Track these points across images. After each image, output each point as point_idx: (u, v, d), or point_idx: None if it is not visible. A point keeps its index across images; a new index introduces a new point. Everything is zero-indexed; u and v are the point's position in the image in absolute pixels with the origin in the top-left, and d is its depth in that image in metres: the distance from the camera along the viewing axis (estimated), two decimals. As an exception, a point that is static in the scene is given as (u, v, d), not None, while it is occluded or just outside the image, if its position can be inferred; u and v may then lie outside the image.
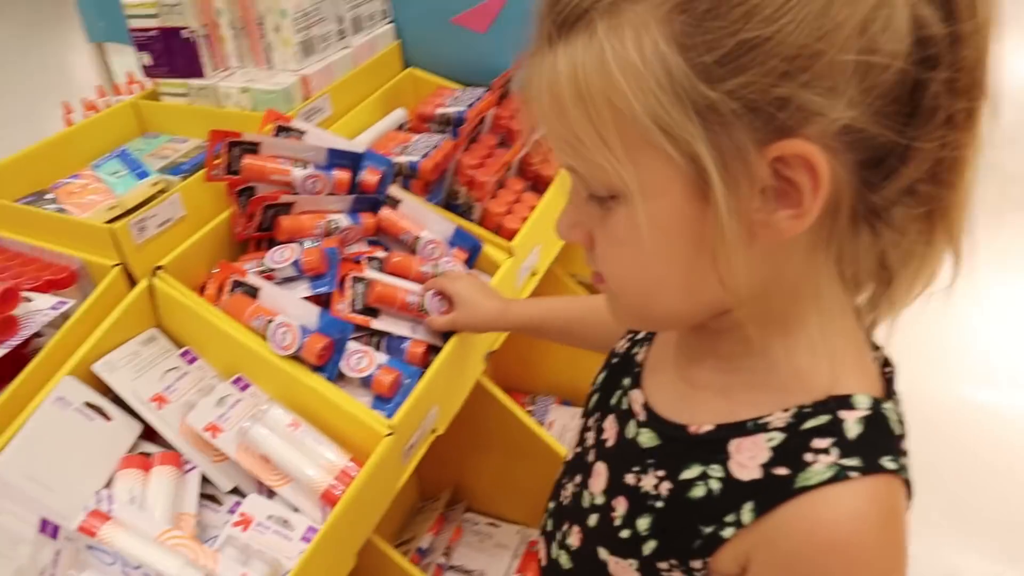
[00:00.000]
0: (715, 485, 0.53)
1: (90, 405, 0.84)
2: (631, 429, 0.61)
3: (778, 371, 0.53)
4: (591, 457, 0.66)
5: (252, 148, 0.98)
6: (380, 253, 1.04)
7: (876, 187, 0.47)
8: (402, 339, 0.96)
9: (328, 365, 0.89)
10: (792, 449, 0.50)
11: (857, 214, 0.48)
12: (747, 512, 0.51)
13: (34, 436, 0.79)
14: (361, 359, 0.90)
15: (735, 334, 0.53)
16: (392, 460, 0.87)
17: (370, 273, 0.98)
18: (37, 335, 0.88)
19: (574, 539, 0.65)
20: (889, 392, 0.54)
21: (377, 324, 0.95)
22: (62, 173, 1.12)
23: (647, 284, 0.52)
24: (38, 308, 0.89)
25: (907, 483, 0.51)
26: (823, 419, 0.50)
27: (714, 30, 0.42)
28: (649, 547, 0.57)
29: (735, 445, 0.53)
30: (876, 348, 0.57)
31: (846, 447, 0.49)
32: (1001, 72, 0.45)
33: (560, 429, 1.47)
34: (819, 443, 0.49)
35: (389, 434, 0.85)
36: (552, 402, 1.54)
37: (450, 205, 1.16)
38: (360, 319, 0.94)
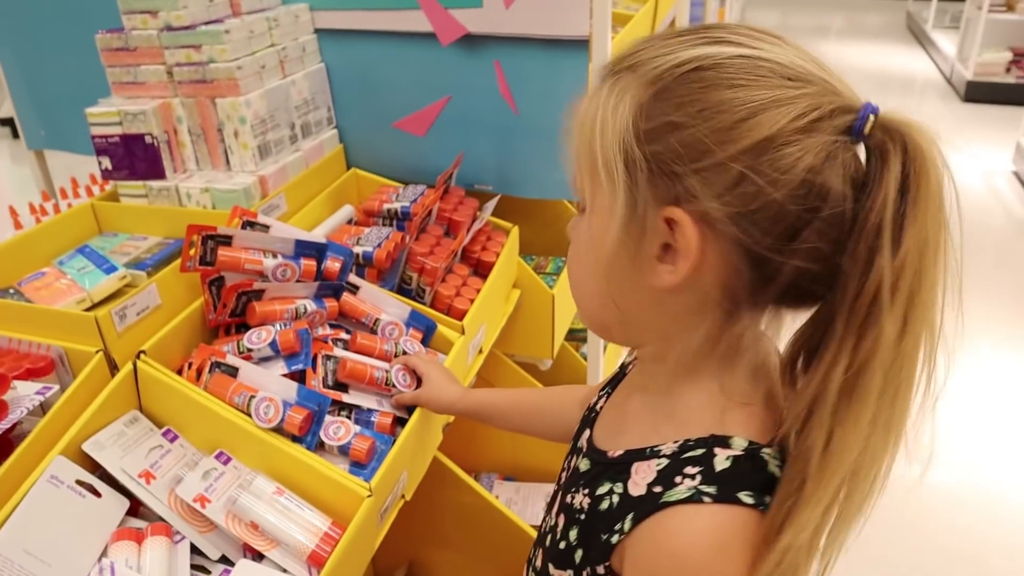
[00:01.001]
0: (616, 499, 0.64)
1: (80, 483, 0.88)
2: (577, 460, 0.75)
3: (680, 409, 0.66)
4: (559, 492, 0.78)
5: (226, 240, 1.06)
6: (343, 335, 1.12)
7: (762, 288, 0.58)
8: (371, 411, 1.04)
9: (308, 435, 0.95)
10: (670, 472, 0.61)
11: (757, 302, 0.60)
12: (628, 522, 0.62)
13: (31, 513, 0.83)
14: (339, 428, 0.97)
15: (656, 375, 0.68)
16: (371, 521, 0.94)
17: (339, 351, 1.06)
18: (17, 422, 0.92)
19: (539, 560, 0.76)
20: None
21: (348, 398, 1.03)
22: (25, 271, 1.16)
23: (575, 281, 0.69)
24: (24, 394, 0.93)
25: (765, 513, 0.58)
26: (699, 451, 0.61)
27: (657, 107, 0.57)
28: (578, 556, 0.68)
29: (635, 467, 0.64)
30: None
31: (708, 477, 0.59)
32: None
33: (505, 503, 1.54)
34: (690, 470, 0.60)
35: (369, 496, 0.91)
36: (495, 478, 1.61)
37: (402, 290, 1.26)
38: (333, 394, 1.01)
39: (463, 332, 1.20)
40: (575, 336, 2.08)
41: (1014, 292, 3.38)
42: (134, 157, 1.27)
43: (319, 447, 0.97)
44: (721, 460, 0.60)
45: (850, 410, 0.54)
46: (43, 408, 0.94)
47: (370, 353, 1.09)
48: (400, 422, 1.05)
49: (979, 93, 5.82)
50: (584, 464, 0.73)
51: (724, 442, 0.61)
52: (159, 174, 1.28)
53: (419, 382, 1.07)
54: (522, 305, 1.47)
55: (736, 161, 0.53)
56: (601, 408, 0.80)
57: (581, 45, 1.30)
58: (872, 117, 0.53)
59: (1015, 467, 2.37)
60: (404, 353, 1.11)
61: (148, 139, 1.26)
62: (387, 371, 1.05)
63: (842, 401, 0.55)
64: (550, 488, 1.71)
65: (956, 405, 2.59)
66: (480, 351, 1.30)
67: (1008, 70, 5.83)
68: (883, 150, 0.53)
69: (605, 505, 0.65)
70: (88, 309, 1.11)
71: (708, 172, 0.54)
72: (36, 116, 1.79)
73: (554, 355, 1.55)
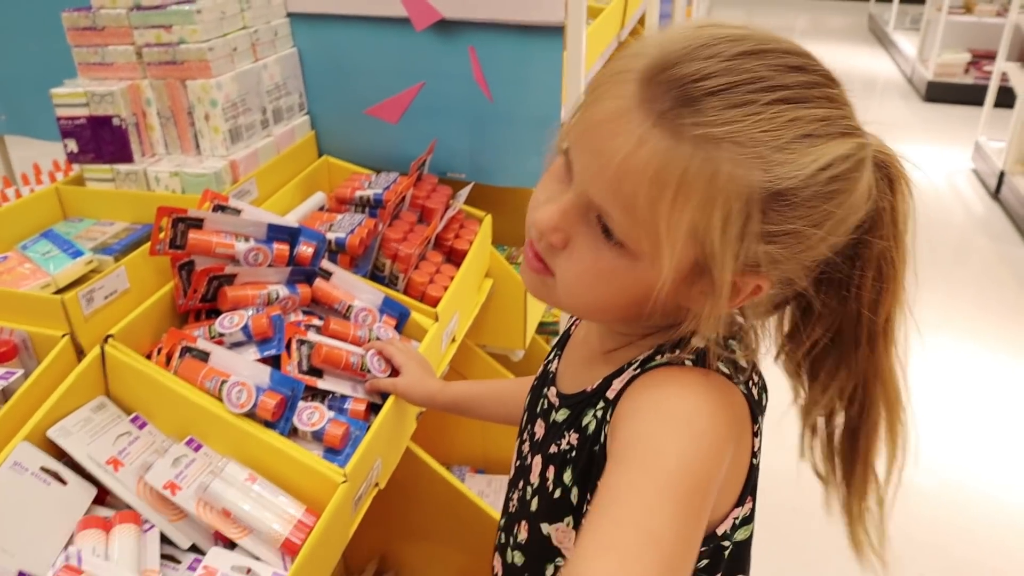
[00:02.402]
0: (599, 413, 0.67)
1: (45, 470, 0.86)
2: (551, 415, 0.75)
3: (653, 338, 0.68)
4: (528, 459, 0.78)
5: (197, 223, 1.04)
6: (316, 321, 1.11)
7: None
8: (345, 398, 1.02)
9: (281, 421, 0.94)
10: (647, 360, 0.65)
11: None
12: (609, 412, 0.65)
13: (-6, 500, 0.80)
14: (313, 414, 0.96)
15: (629, 335, 0.70)
16: (345, 508, 0.93)
17: (313, 336, 1.04)
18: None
19: (523, 534, 0.76)
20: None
21: (322, 384, 1.01)
22: (-15, 256, 1.13)
23: (588, 299, 0.65)
24: (-14, 379, 0.90)
25: (747, 399, 0.63)
26: (675, 342, 0.64)
27: (784, 215, 0.56)
28: (574, 495, 0.69)
29: (613, 383, 0.67)
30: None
31: (686, 350, 0.63)
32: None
33: (477, 495, 1.53)
34: (669, 352, 0.64)
35: (344, 482, 0.90)
36: (467, 471, 1.60)
37: (375, 276, 1.25)
38: (307, 379, 1.00)
39: (436, 319, 1.19)
40: (545, 329, 2.08)
41: (975, 287, 3.45)
42: (101, 140, 1.24)
43: (292, 433, 0.95)
44: (697, 340, 0.63)
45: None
46: (6, 394, 0.91)
47: (343, 339, 1.08)
48: (374, 409, 1.04)
49: (939, 93, 5.92)
50: (562, 414, 0.73)
51: (696, 334, 0.63)
52: (127, 157, 1.25)
53: (394, 371, 1.06)
54: (494, 295, 1.47)
55: (830, 250, 0.60)
56: (557, 368, 0.81)
57: (556, 32, 1.29)
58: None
59: (977, 457, 2.41)
60: (378, 339, 1.10)
61: (116, 121, 1.23)
62: (362, 356, 1.04)
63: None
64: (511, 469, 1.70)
65: (919, 398, 2.63)
66: (453, 340, 1.29)
67: (967, 71, 5.94)
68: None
69: (592, 426, 0.67)
70: (56, 294, 1.08)
71: (806, 253, 0.59)
72: (-4, 99, 1.74)
73: (526, 346, 1.55)
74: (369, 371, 1.04)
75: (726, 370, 0.63)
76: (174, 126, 1.27)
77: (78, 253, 1.12)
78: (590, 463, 0.67)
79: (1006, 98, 4.35)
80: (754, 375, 0.66)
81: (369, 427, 0.99)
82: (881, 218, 0.61)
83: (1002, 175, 4.14)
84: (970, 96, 5.72)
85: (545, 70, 1.32)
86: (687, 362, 0.62)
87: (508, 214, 1.57)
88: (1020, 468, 2.37)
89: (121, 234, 1.21)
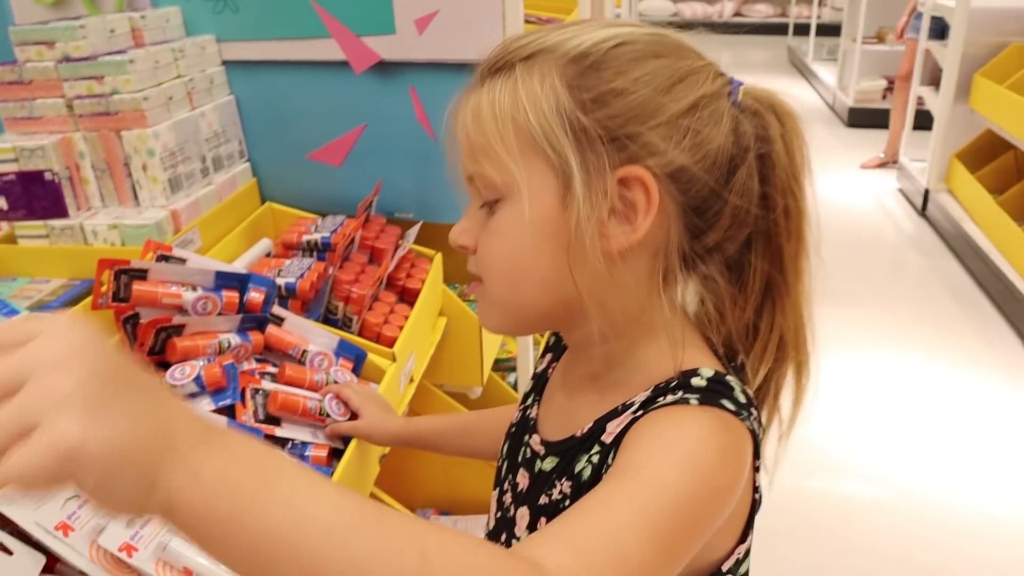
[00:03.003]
0: (595, 459, 0.64)
1: (-11, 541, 0.81)
2: (538, 465, 0.72)
3: (640, 368, 0.67)
4: (511, 511, 0.75)
5: (141, 275, 1.00)
6: (271, 368, 1.07)
7: (699, 234, 0.64)
8: (305, 444, 0.99)
9: (240, 472, 0.90)
10: (648, 403, 0.62)
11: (684, 256, 0.65)
12: (611, 457, 0.62)
13: (-66, 577, 0.75)
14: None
15: (604, 356, 0.69)
16: (313, 558, 0.89)
17: (268, 384, 1.01)
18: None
19: None
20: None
21: (281, 432, 0.98)
22: (-85, 322, 1.07)
23: (514, 274, 0.65)
24: (-80, 450, 0.85)
25: (752, 433, 0.61)
26: (674, 383, 0.63)
27: (594, 78, 0.61)
28: None
29: (608, 426, 0.65)
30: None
31: (689, 391, 0.61)
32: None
33: (442, 537, 1.49)
34: (671, 394, 0.62)
35: (310, 531, 0.87)
36: (431, 513, 1.57)
37: (328, 320, 1.22)
38: (265, 428, 0.96)
39: (394, 359, 1.17)
40: (500, 366, 2.06)
41: (911, 300, 3.55)
42: (33, 195, 1.20)
43: (253, 484, 0.91)
44: (697, 381, 0.62)
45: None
46: (-58, 465, 0.86)
47: (300, 384, 1.05)
48: (336, 454, 1.01)
49: (861, 118, 6.15)
50: (550, 463, 0.70)
51: (694, 373, 0.63)
52: (61, 212, 1.21)
53: (353, 414, 1.03)
54: (449, 333, 1.45)
55: (684, 116, 0.61)
56: (536, 414, 0.78)
57: (496, 68, 1.30)
58: (740, 88, 0.65)
59: (926, 464, 2.45)
60: (335, 383, 1.07)
61: (48, 176, 1.19)
62: (320, 400, 1.01)
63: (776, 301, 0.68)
64: (487, 520, 1.67)
65: (862, 412, 2.68)
66: (411, 380, 1.27)
67: (884, 96, 6.18)
68: (757, 112, 0.64)
69: (587, 472, 0.64)
70: (-12, 357, 1.03)
71: (663, 128, 0.60)
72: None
73: (484, 383, 1.53)
74: (328, 415, 1.01)
75: (731, 407, 0.60)
76: (110, 178, 1.23)
77: (13, 312, 1.08)
78: None
79: (923, 120, 4.53)
80: (753, 409, 0.63)
81: (332, 473, 0.96)
82: (772, 159, 0.64)
83: (927, 193, 4.29)
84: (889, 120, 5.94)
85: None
86: (692, 401, 0.60)
87: (455, 254, 1.55)
88: (966, 473, 2.42)
89: (59, 291, 1.17)
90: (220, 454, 0.42)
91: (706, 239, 0.65)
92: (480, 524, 1.67)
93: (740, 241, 0.66)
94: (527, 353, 1.57)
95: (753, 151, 0.63)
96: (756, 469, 0.64)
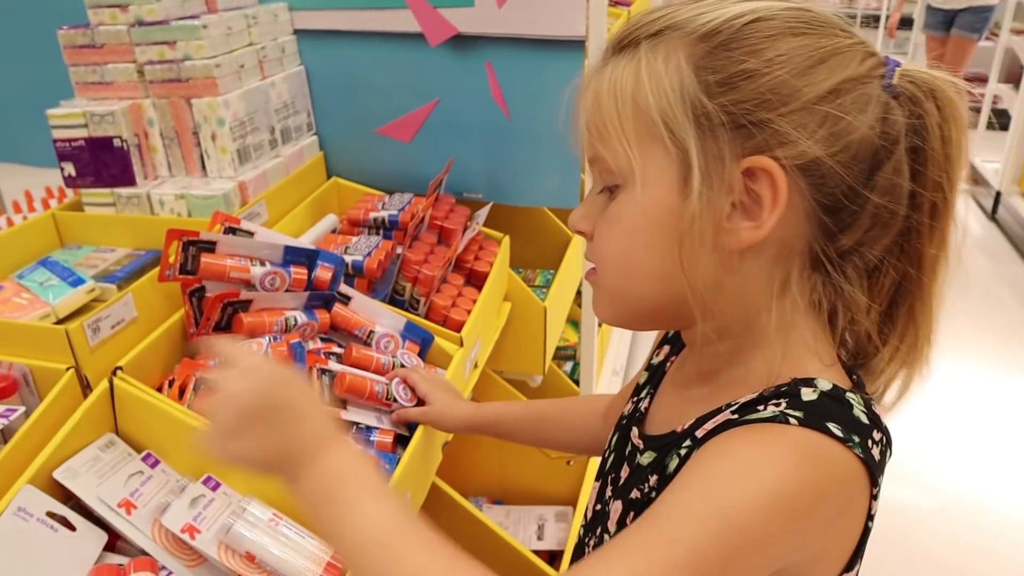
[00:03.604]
0: (683, 452, 0.60)
1: (51, 515, 0.78)
2: (637, 459, 0.68)
3: (751, 373, 0.61)
4: (608, 505, 0.71)
5: (209, 247, 0.97)
6: (336, 348, 1.04)
7: (832, 236, 0.58)
8: (370, 429, 0.96)
9: (306, 456, 0.87)
10: (747, 408, 0.57)
11: (815, 257, 0.58)
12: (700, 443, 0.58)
13: (-4, 550, 0.73)
14: (340, 448, 0.88)
15: (718, 355, 0.63)
16: (378, 549, 0.85)
17: (335, 365, 0.98)
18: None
19: None
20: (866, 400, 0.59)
21: (347, 415, 0.94)
22: (-21, 286, 1.06)
23: (626, 265, 0.61)
24: (-15, 417, 0.83)
25: (865, 463, 0.54)
26: (783, 390, 0.57)
27: (723, 58, 0.55)
28: None
29: (707, 423, 0.59)
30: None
31: (794, 405, 0.55)
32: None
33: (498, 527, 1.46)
34: (773, 402, 0.56)
35: (376, 520, 0.83)
36: (484, 502, 1.53)
37: (394, 300, 1.18)
38: (331, 410, 0.93)
39: (461, 344, 1.12)
40: (559, 354, 2.02)
41: (975, 305, 3.42)
42: (101, 162, 1.18)
43: (318, 469, 0.88)
44: (807, 394, 0.56)
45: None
46: (6, 434, 0.84)
47: (366, 367, 1.01)
48: (401, 441, 0.97)
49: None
50: (647, 457, 0.66)
51: (808, 383, 0.57)
52: (129, 180, 1.18)
53: (419, 400, 0.99)
54: (513, 319, 1.40)
55: (822, 102, 0.54)
56: (647, 408, 0.74)
57: (576, 46, 1.24)
58: (897, 70, 0.57)
59: (985, 476, 2.37)
60: (402, 367, 1.03)
61: (117, 142, 1.16)
62: (387, 384, 0.97)
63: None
64: (541, 511, 1.64)
65: (922, 419, 2.58)
66: (476, 366, 1.23)
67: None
68: (914, 98, 0.56)
69: (673, 466, 0.60)
70: (58, 324, 1.01)
71: (797, 115, 0.54)
72: (-15, 126, 1.67)
73: (545, 371, 1.49)
74: (395, 400, 0.97)
75: (839, 432, 0.53)
76: (178, 147, 1.20)
77: (79, 281, 1.05)
78: None
79: (998, 120, 4.36)
80: (875, 432, 0.56)
81: (399, 460, 0.92)
82: (925, 153, 0.57)
83: (998, 196, 4.13)
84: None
85: (565, 85, 1.27)
86: (792, 420, 0.53)
87: (520, 237, 1.51)
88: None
89: (124, 261, 1.14)
90: (318, 470, 0.58)
91: (840, 241, 0.58)
92: (533, 515, 1.63)
93: (883, 245, 0.59)
94: (591, 342, 1.52)
95: (904, 143, 0.56)
96: (873, 497, 0.57)
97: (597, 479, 0.77)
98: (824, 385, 0.57)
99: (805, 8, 0.57)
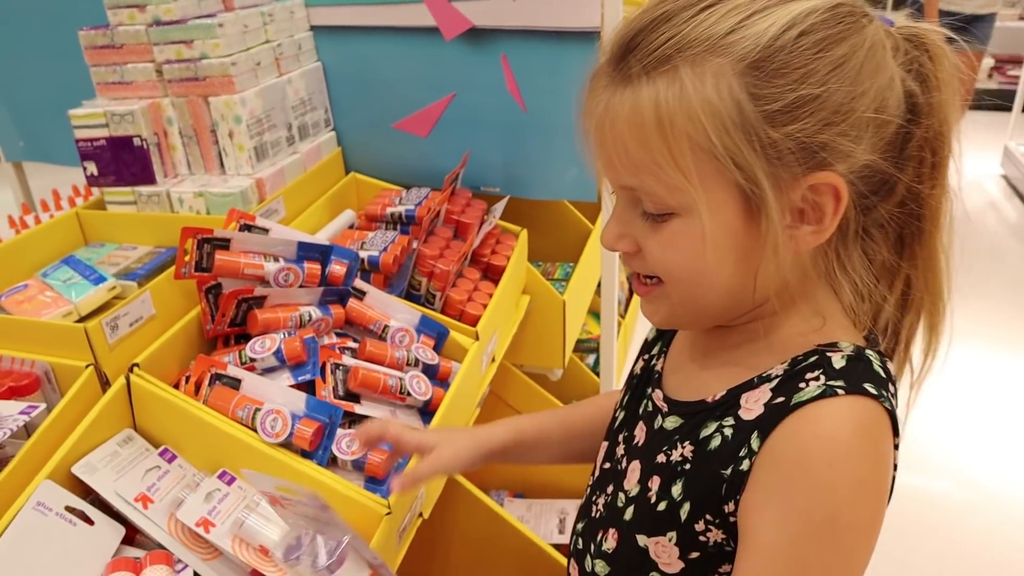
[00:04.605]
0: (728, 432, 0.61)
1: (70, 509, 0.80)
2: (658, 421, 0.69)
3: (780, 339, 0.63)
4: (623, 463, 0.73)
5: (223, 244, 0.98)
6: (351, 343, 1.05)
7: (869, 211, 0.60)
8: (385, 424, 0.96)
9: (319, 450, 0.88)
10: (788, 384, 0.59)
11: (854, 232, 0.61)
12: (755, 440, 0.59)
13: (15, 543, 0.74)
14: (352, 442, 0.89)
15: (744, 327, 0.65)
16: (390, 541, 0.86)
17: (349, 360, 0.98)
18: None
19: (610, 542, 0.70)
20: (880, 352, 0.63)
21: (360, 409, 0.95)
22: (5, 284, 1.08)
23: (699, 284, 0.61)
24: (6, 414, 0.85)
25: (890, 414, 0.58)
26: (813, 359, 0.60)
27: (779, 86, 0.54)
28: (684, 510, 0.63)
29: (744, 398, 0.62)
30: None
31: (832, 374, 0.58)
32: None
33: (517, 521, 1.46)
34: (810, 375, 0.59)
35: (387, 513, 0.84)
36: (505, 495, 1.54)
37: (411, 296, 1.19)
38: (345, 404, 0.94)
39: (477, 338, 1.13)
40: (580, 347, 2.02)
41: (1009, 292, 3.35)
42: (121, 161, 1.20)
43: (331, 463, 0.89)
44: (837, 360, 0.59)
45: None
46: (28, 429, 0.86)
47: (380, 361, 1.01)
48: (415, 435, 0.98)
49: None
50: (672, 421, 0.67)
51: (833, 347, 0.60)
52: (149, 179, 1.20)
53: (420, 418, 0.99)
54: (532, 312, 1.40)
55: (870, 110, 0.55)
56: (662, 368, 0.75)
57: (591, 37, 1.24)
58: (897, 34, 0.59)
59: (1014, 467, 2.32)
60: (417, 361, 1.04)
61: (137, 141, 1.18)
62: (401, 378, 0.98)
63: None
64: (563, 504, 1.64)
65: (950, 406, 2.54)
66: (493, 360, 1.23)
67: (990, 76, 5.85)
68: (914, 58, 0.59)
69: (716, 442, 0.62)
70: (78, 322, 1.02)
71: (855, 128, 0.55)
72: (14, 125, 1.70)
73: (565, 364, 1.48)
74: (409, 395, 0.98)
75: (873, 390, 0.57)
76: (197, 145, 1.22)
77: (100, 279, 1.07)
78: (714, 484, 0.61)
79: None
80: (890, 384, 0.60)
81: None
82: (918, 101, 0.59)
83: (1035, 180, 4.04)
84: (996, 101, 5.62)
85: (581, 77, 1.26)
86: (840, 391, 0.57)
87: (539, 230, 1.51)
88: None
89: (145, 258, 1.16)
90: None
91: (875, 214, 0.61)
92: (555, 508, 1.63)
93: (895, 201, 0.62)
94: (611, 335, 1.51)
95: (923, 120, 0.59)
96: (895, 447, 0.60)
97: (605, 438, 0.77)
98: (847, 348, 0.60)
99: (832, 3, 0.56)
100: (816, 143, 0.54)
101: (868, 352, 0.61)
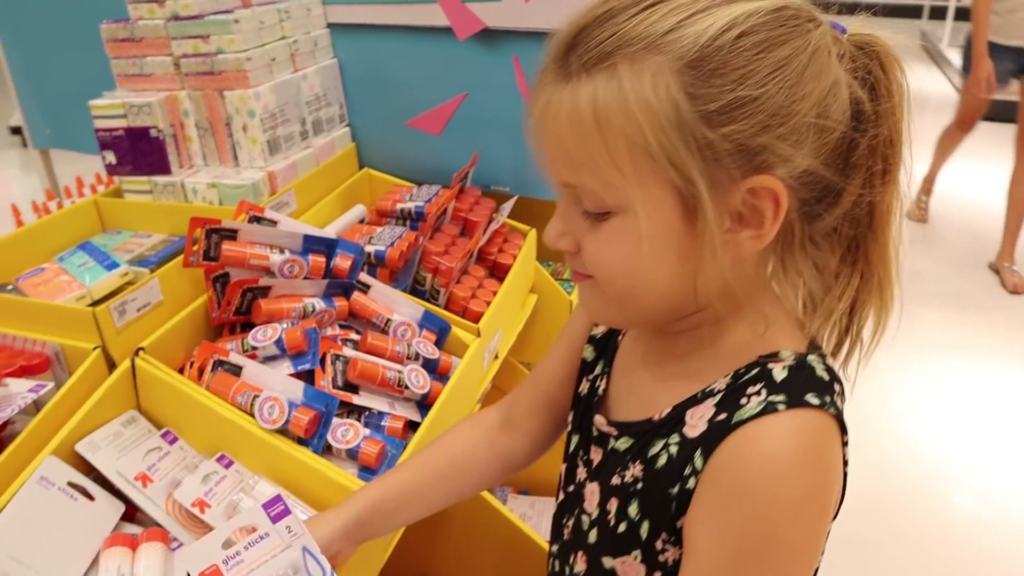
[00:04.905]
0: (673, 450, 0.61)
1: (72, 485, 0.83)
2: (611, 443, 0.70)
3: (723, 349, 0.63)
4: (584, 487, 0.72)
5: (231, 235, 1.01)
6: (353, 335, 1.07)
7: (815, 219, 0.60)
8: (381, 414, 0.98)
9: (315, 438, 0.90)
10: (731, 399, 0.59)
11: (800, 240, 0.61)
12: (698, 459, 0.59)
13: (18, 516, 0.77)
14: (347, 431, 0.91)
15: (690, 334, 0.65)
16: (381, 530, 0.88)
17: (349, 351, 1.01)
18: (9, 421, 0.87)
19: (580, 565, 0.70)
20: (822, 356, 0.63)
21: (358, 400, 0.97)
22: (24, 267, 1.12)
23: (635, 285, 0.61)
24: (16, 392, 0.88)
25: (837, 419, 0.59)
26: (754, 371, 0.60)
27: (717, 86, 0.53)
28: (644, 529, 0.63)
29: (689, 414, 0.62)
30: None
31: (773, 387, 0.58)
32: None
33: (520, 517, 1.47)
34: (752, 389, 0.59)
35: (379, 503, 0.86)
36: (509, 492, 1.55)
37: (416, 291, 1.21)
38: (342, 395, 0.96)
39: (479, 335, 1.14)
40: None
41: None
42: (139, 151, 1.23)
43: (326, 450, 0.91)
44: (778, 371, 0.59)
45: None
46: (36, 406, 0.89)
47: (381, 354, 1.04)
48: (412, 427, 1.00)
49: (995, 112, 5.73)
50: (623, 442, 0.68)
51: (773, 357, 0.61)
52: (164, 169, 1.23)
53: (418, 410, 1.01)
54: (539, 311, 1.42)
55: (812, 114, 0.55)
56: (606, 387, 0.74)
57: (602, 40, 1.25)
58: (846, 41, 0.59)
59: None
60: (417, 355, 1.06)
61: (154, 132, 1.21)
62: (399, 371, 1.00)
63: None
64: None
65: (969, 423, 2.52)
66: (496, 357, 1.25)
67: (1025, 88, 5.75)
68: (862, 65, 0.59)
69: (663, 460, 0.62)
70: (88, 306, 1.06)
71: (795, 132, 0.55)
72: (41, 114, 1.75)
73: (571, 364, 1.49)
74: (407, 387, 1.00)
75: (815, 400, 0.57)
76: (212, 137, 1.25)
77: (113, 265, 1.10)
78: (664, 502, 0.61)
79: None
80: (835, 384, 0.61)
81: (407, 445, 0.95)
82: (864, 108, 0.58)
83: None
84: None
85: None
86: (780, 407, 0.57)
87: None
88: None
89: (158, 246, 1.19)
90: None
91: (822, 222, 0.60)
92: (559, 506, 1.64)
93: (845, 208, 0.61)
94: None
95: (869, 127, 0.59)
96: (844, 444, 0.61)
97: (564, 461, 0.78)
98: (788, 358, 0.60)
99: (778, 6, 0.55)
100: (754, 145, 0.54)
101: (810, 358, 0.61)
